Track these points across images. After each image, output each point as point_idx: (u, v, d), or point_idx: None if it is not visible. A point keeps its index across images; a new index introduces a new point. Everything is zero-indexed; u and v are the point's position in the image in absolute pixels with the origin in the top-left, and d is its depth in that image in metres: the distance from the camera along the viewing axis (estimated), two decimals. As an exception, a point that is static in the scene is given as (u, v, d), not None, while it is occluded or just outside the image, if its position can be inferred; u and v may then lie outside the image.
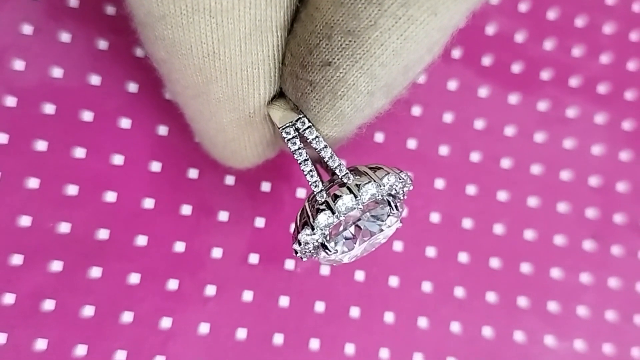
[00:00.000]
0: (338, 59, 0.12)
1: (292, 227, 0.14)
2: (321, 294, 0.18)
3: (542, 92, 0.20)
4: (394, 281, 0.19)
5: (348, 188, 0.13)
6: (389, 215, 0.13)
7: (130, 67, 0.18)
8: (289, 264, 0.18)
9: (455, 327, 0.19)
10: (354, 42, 0.12)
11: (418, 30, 0.12)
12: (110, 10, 0.19)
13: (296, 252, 0.13)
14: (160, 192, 0.18)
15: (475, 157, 0.20)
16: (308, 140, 0.13)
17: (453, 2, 0.11)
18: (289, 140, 0.13)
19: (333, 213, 0.13)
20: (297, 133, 0.13)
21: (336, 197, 0.13)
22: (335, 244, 0.13)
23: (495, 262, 0.19)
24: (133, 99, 0.18)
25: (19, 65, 0.18)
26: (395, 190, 0.13)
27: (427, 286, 0.19)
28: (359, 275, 0.19)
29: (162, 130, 0.18)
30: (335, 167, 0.13)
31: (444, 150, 0.19)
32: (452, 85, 0.20)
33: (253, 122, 0.14)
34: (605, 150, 0.20)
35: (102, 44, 0.18)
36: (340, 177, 0.13)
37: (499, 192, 0.19)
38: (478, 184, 0.19)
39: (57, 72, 0.18)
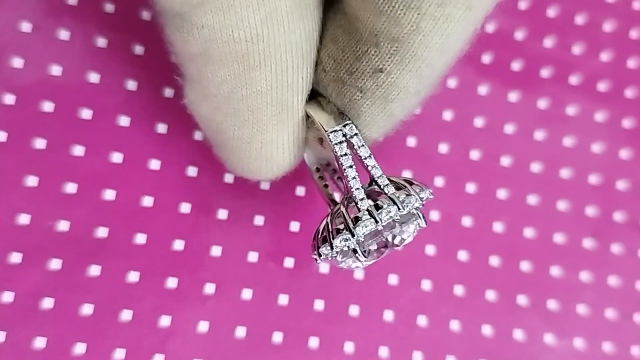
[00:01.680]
0: (389, 65, 0.13)
1: (320, 229, 0.14)
2: (320, 293, 0.18)
3: (542, 89, 0.20)
4: (393, 279, 0.19)
5: (391, 199, 0.13)
6: (415, 229, 0.14)
7: (129, 65, 0.19)
8: (288, 262, 0.18)
9: (454, 325, 0.19)
10: (401, 47, 0.12)
11: (457, 27, 0.12)
12: (109, 7, 0.19)
13: (320, 255, 0.14)
14: (159, 190, 0.18)
15: (475, 155, 0.20)
16: (354, 147, 0.14)
17: None
18: (337, 144, 0.14)
19: (376, 222, 0.13)
20: (344, 138, 0.14)
21: (378, 207, 0.13)
22: (365, 252, 0.13)
23: (494, 261, 0.19)
24: (132, 97, 0.18)
25: (17, 63, 0.18)
26: (422, 204, 0.14)
27: (426, 284, 0.19)
28: (359, 274, 0.19)
29: (161, 128, 0.18)
30: (378, 177, 0.14)
31: (443, 148, 0.20)
32: (452, 83, 0.20)
33: (295, 115, 0.14)
34: (605, 148, 0.20)
35: (101, 42, 0.18)
36: (381, 187, 0.14)
37: (499, 190, 0.20)
38: (478, 182, 0.20)
39: (56, 70, 0.18)
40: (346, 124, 0.14)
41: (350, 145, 0.14)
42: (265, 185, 0.19)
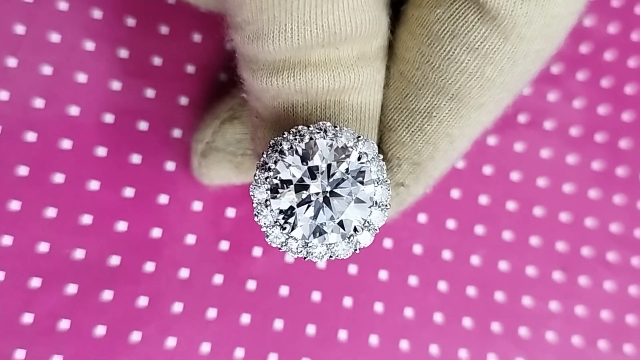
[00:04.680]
0: (408, 181, 0.17)
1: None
2: (312, 318, 0.21)
3: (518, 134, 0.23)
4: (379, 307, 0.21)
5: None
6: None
7: (142, 107, 0.21)
8: (284, 290, 0.21)
9: (434, 349, 0.22)
10: (418, 168, 0.17)
11: (460, 155, 0.17)
12: (123, 53, 0.21)
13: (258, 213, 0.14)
14: (167, 223, 0.21)
15: (455, 193, 0.22)
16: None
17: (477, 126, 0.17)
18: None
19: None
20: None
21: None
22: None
23: (471, 291, 0.22)
24: (144, 136, 0.21)
25: (39, 103, 0.21)
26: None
27: (409, 312, 0.22)
28: (347, 301, 0.21)
29: (170, 165, 0.21)
30: None
31: (427, 187, 0.22)
32: (436, 127, 0.23)
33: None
34: (576, 188, 0.23)
35: (116, 85, 0.21)
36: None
37: (477, 226, 0.22)
38: (457, 219, 0.22)
39: (74, 110, 0.21)
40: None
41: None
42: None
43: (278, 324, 0.21)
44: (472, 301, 0.22)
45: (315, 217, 0.14)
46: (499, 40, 0.15)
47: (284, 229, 0.14)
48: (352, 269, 0.22)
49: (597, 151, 0.23)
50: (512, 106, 0.23)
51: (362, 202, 0.14)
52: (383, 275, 0.22)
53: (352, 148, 0.14)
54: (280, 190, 0.14)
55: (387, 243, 0.22)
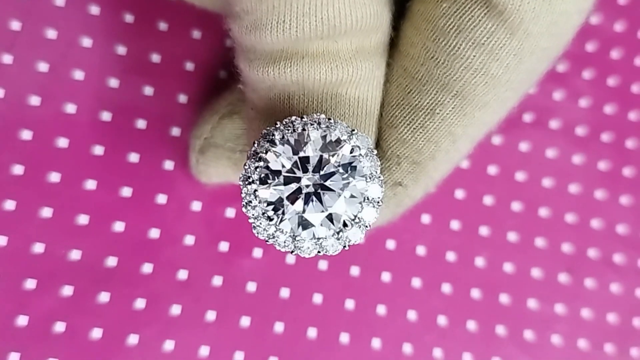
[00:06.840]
0: (406, 181, 0.17)
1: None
2: (314, 321, 0.21)
3: (523, 133, 0.23)
4: (381, 309, 0.21)
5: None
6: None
7: (139, 105, 0.21)
8: (284, 293, 0.21)
9: (437, 353, 0.21)
10: (418, 168, 0.16)
11: (462, 157, 0.17)
12: (121, 50, 0.21)
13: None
14: (166, 223, 0.21)
15: (459, 194, 0.22)
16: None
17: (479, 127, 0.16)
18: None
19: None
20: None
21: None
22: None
23: (476, 293, 0.22)
24: (142, 135, 0.21)
25: (34, 100, 0.20)
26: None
27: (412, 314, 0.21)
28: (349, 304, 0.21)
29: (168, 164, 0.21)
30: None
31: (430, 187, 0.22)
32: (440, 126, 0.22)
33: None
34: (582, 189, 0.23)
35: (113, 82, 0.21)
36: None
37: (481, 227, 0.22)
38: (461, 220, 0.22)
39: (70, 108, 0.21)
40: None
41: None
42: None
43: (278, 327, 0.21)
44: (477, 304, 0.22)
45: (303, 210, 0.14)
46: (505, 36, 0.15)
47: (271, 220, 0.14)
48: (354, 270, 0.22)
49: (603, 151, 0.23)
50: (517, 105, 0.23)
51: (353, 197, 0.14)
52: (386, 277, 0.22)
53: (345, 141, 0.14)
54: (269, 181, 0.14)
55: (390, 244, 0.22)
